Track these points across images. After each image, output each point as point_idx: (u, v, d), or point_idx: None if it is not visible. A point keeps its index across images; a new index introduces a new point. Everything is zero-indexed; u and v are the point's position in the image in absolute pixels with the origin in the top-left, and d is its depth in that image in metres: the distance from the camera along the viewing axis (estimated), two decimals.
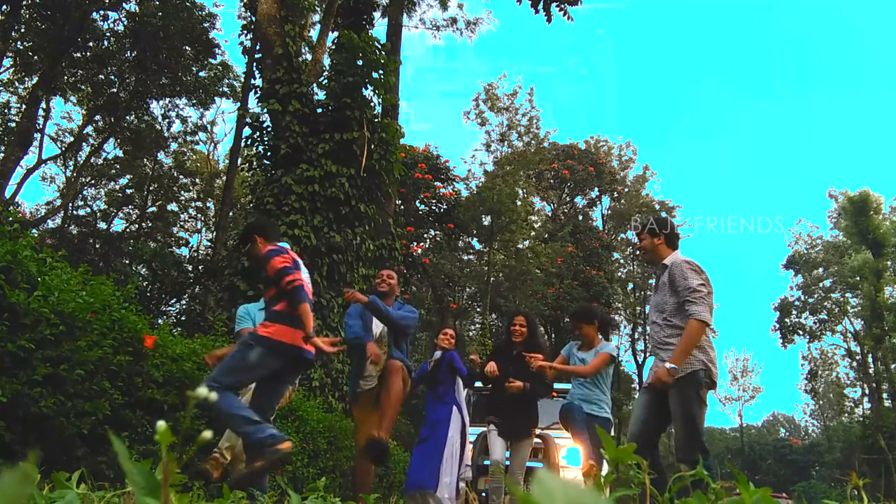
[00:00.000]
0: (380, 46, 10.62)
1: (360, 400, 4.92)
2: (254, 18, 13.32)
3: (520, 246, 22.78)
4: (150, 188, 24.35)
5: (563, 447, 6.95)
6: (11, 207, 8.02)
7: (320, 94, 11.04)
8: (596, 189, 30.20)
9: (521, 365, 5.25)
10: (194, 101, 20.03)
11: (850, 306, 31.98)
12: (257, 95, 11.16)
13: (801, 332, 33.01)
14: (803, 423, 52.88)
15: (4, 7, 15.45)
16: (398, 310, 5.04)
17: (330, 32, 12.52)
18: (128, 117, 19.81)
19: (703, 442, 3.76)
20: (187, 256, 17.73)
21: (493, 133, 22.14)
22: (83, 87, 19.12)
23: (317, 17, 15.40)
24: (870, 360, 30.78)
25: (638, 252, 5.37)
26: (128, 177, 24.13)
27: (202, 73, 18.98)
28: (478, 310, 25.83)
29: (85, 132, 21.05)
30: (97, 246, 20.59)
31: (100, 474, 3.71)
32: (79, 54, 17.57)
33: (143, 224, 24.29)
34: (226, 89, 20.23)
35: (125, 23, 17.49)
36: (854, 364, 33.75)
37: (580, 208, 30.66)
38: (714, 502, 1.43)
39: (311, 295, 3.88)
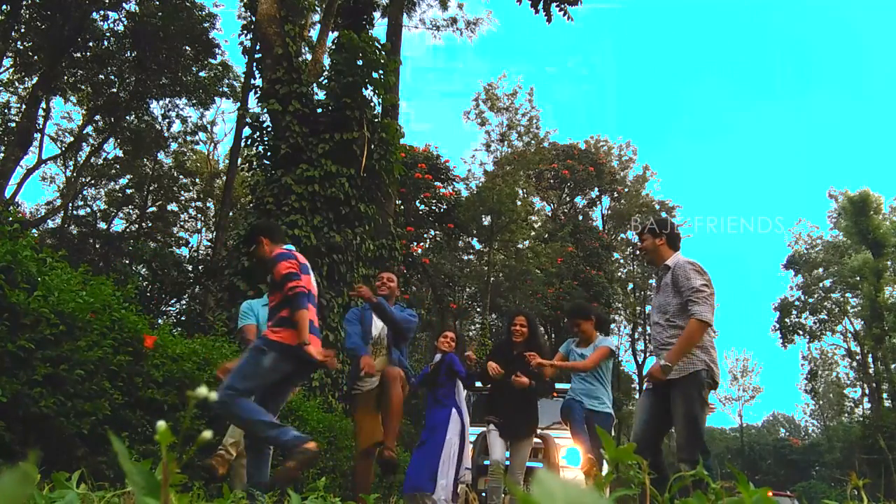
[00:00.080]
0: (380, 46, 10.62)
1: (360, 401, 4.92)
2: (254, 18, 13.31)
3: (520, 246, 22.78)
4: (150, 188, 24.36)
5: (563, 447, 6.95)
6: (11, 207, 8.02)
7: (320, 94, 11.05)
8: (596, 189, 30.20)
9: (521, 365, 5.25)
10: (194, 101, 20.04)
11: (850, 306, 31.98)
12: (257, 95, 11.17)
13: (801, 332, 33.01)
14: (803, 423, 52.92)
15: (4, 7, 15.46)
16: (399, 313, 5.05)
17: (330, 32, 12.52)
18: (128, 117, 19.81)
19: (705, 442, 3.76)
20: (187, 256, 17.75)
21: (493, 133, 22.16)
22: (83, 87, 19.13)
23: (317, 17, 15.41)
24: (870, 360, 30.78)
25: (639, 253, 5.39)
26: (128, 177, 24.14)
27: (202, 73, 18.99)
28: (478, 310, 25.82)
29: (85, 132, 21.06)
30: (97, 246, 20.59)
31: (100, 474, 3.71)
32: (79, 54, 17.58)
33: (143, 224, 24.29)
34: (226, 89, 20.24)
35: (125, 23, 17.50)
36: (854, 364, 33.76)
37: (580, 208, 30.67)
38: (714, 502, 1.43)
39: (317, 298, 3.91)
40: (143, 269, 15.71)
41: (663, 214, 27.73)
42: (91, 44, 17.53)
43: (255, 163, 11.00)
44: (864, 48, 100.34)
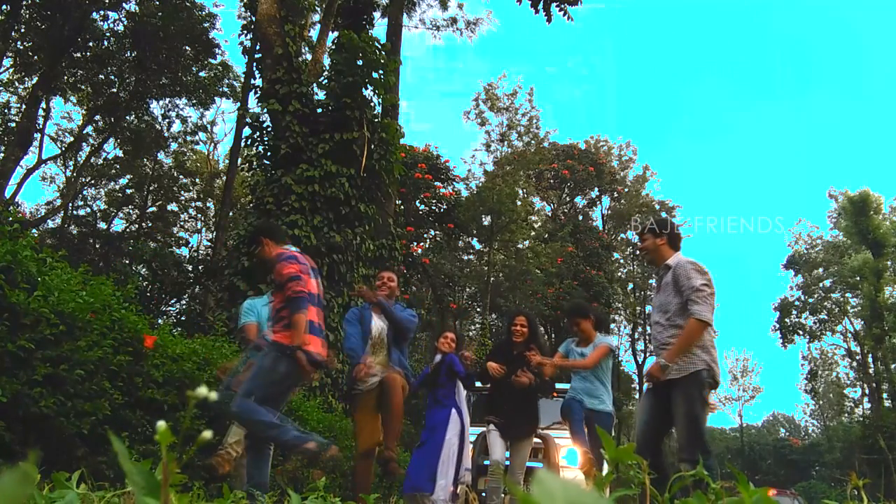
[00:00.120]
0: (380, 46, 10.62)
1: (360, 401, 4.92)
2: (254, 18, 13.31)
3: (520, 246, 22.78)
4: (150, 188, 24.36)
5: (563, 447, 6.95)
6: (11, 207, 8.02)
7: (320, 94, 11.05)
8: (596, 189, 30.20)
9: (521, 365, 5.25)
10: (194, 101, 20.04)
11: (850, 306, 31.97)
12: (257, 95, 11.17)
13: (801, 332, 33.01)
14: (803, 423, 52.91)
15: (4, 7, 15.46)
16: (400, 313, 5.06)
17: (330, 32, 12.52)
18: (128, 117, 19.81)
19: (706, 442, 3.76)
20: (187, 256, 17.75)
21: (493, 133, 22.17)
22: (83, 87, 19.13)
23: (317, 17, 15.41)
24: (870, 360, 30.78)
25: (640, 253, 5.37)
26: (128, 177, 24.14)
27: (202, 73, 18.99)
28: (478, 310, 25.82)
29: (85, 132, 21.06)
30: (97, 246, 20.58)
31: (100, 474, 3.71)
32: (79, 54, 17.58)
33: (143, 224, 24.30)
34: (226, 89, 20.24)
35: (125, 23, 17.50)
36: (854, 364, 33.76)
37: (580, 208, 30.67)
38: (714, 502, 1.43)
39: (323, 299, 3.91)
40: (143, 269, 15.72)
41: (663, 214, 27.74)
42: (91, 44, 17.53)
43: (255, 163, 11.00)
44: (864, 48, 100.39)
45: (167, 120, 20.94)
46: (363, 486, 4.76)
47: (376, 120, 10.84)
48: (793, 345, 33.09)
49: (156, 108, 20.74)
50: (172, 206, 25.90)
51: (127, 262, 18.09)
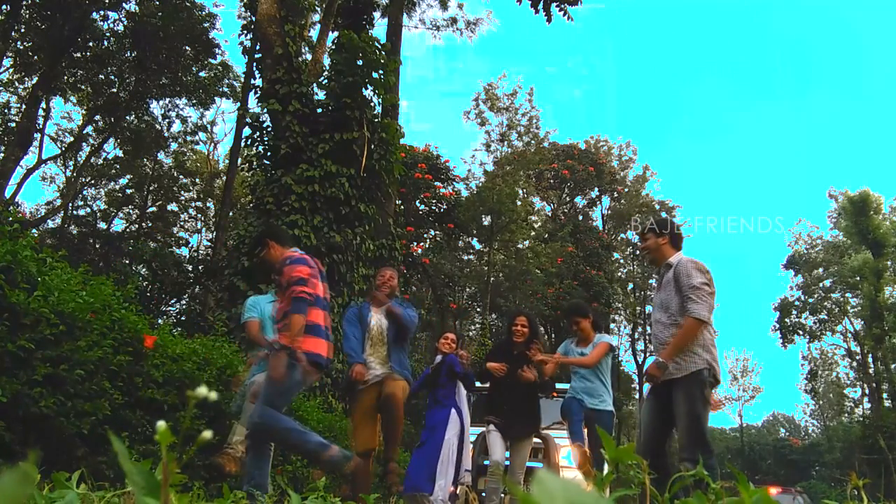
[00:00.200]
0: (380, 46, 10.63)
1: (359, 399, 4.91)
2: (254, 18, 13.32)
3: (520, 246, 22.79)
4: (150, 188, 24.36)
5: (563, 447, 6.95)
6: (11, 207, 8.02)
7: (320, 94, 11.05)
8: (596, 189, 30.20)
9: (522, 365, 5.25)
10: (194, 101, 20.04)
11: (850, 306, 31.97)
12: (257, 95, 11.17)
13: (801, 332, 33.00)
14: (803, 423, 52.90)
15: (4, 7, 15.46)
16: (404, 311, 5.05)
17: (330, 32, 12.52)
18: (128, 117, 19.81)
19: (708, 441, 3.76)
20: (187, 256, 17.75)
21: (493, 133, 22.18)
22: (83, 87, 19.13)
23: (317, 17, 15.41)
24: (870, 360, 30.78)
25: (642, 252, 5.36)
26: (128, 177, 24.15)
27: (202, 73, 18.99)
28: (478, 310, 25.82)
29: (85, 132, 21.06)
30: (97, 246, 20.59)
31: (100, 474, 3.71)
32: (79, 54, 17.58)
33: (143, 224, 24.30)
34: (226, 89, 20.25)
35: (125, 23, 17.50)
36: (854, 364, 33.76)
37: (580, 208, 30.67)
38: (714, 502, 1.43)
39: (328, 298, 3.91)
40: (143, 269, 15.72)
41: (663, 214, 27.74)
42: (91, 44, 17.54)
43: (255, 163, 11.01)
44: (864, 48, 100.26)
45: (167, 120, 20.96)
46: (363, 486, 4.77)
47: (376, 120, 10.84)
48: (793, 345, 33.11)
49: (156, 108, 20.77)
50: (172, 206, 25.91)
51: (127, 262, 18.09)
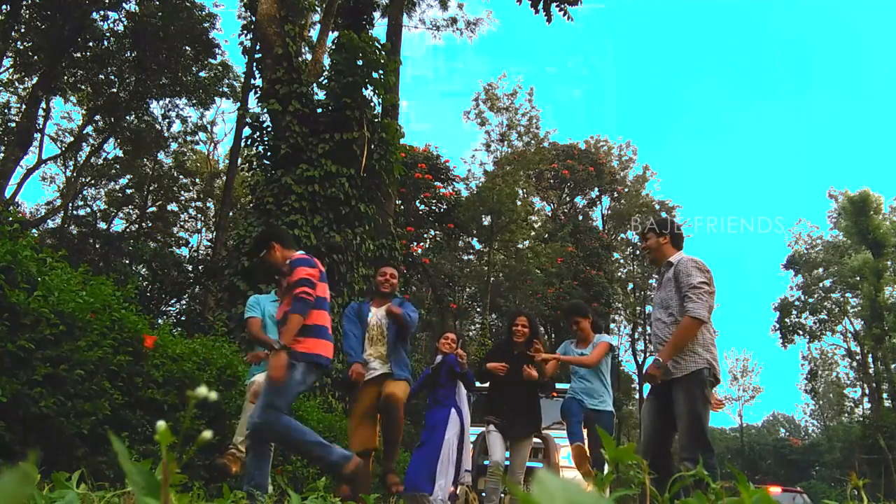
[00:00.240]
0: (380, 46, 10.63)
1: (358, 396, 4.91)
2: (254, 18, 13.32)
3: (520, 246, 22.79)
4: (150, 188, 24.36)
5: (564, 447, 6.94)
6: (11, 207, 8.02)
7: (320, 94, 11.05)
8: (596, 189, 30.20)
9: (522, 365, 5.25)
10: (194, 101, 20.05)
11: (850, 306, 31.97)
12: (257, 95, 11.17)
13: (801, 332, 32.99)
14: (803, 423, 52.89)
15: (4, 7, 15.46)
16: (398, 304, 5.03)
17: (330, 32, 12.52)
18: (128, 117, 19.82)
19: (708, 441, 3.75)
20: (187, 256, 17.75)
21: (493, 133, 22.18)
22: (83, 87, 19.13)
23: (317, 17, 15.42)
24: (870, 360, 30.77)
25: (643, 252, 5.33)
26: (128, 177, 24.15)
27: (202, 73, 18.99)
28: (478, 310, 25.83)
29: (85, 132, 21.06)
30: (97, 246, 20.59)
31: (100, 474, 3.71)
32: (79, 54, 17.58)
33: (143, 224, 24.30)
34: (226, 89, 20.25)
35: (125, 23, 17.50)
36: (854, 364, 33.76)
37: (580, 208, 30.67)
38: (714, 502, 1.43)
39: (329, 298, 3.91)
40: (143, 269, 15.72)
41: (663, 214, 27.73)
42: (91, 44, 17.54)
43: (255, 163, 11.01)
44: (864, 48, 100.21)
45: (167, 120, 20.97)
46: (362, 486, 4.77)
47: (376, 120, 10.84)
48: (793, 345, 33.10)
49: (156, 108, 20.78)
50: (172, 206, 25.91)
51: (127, 262, 18.10)
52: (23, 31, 17.01)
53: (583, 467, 5.17)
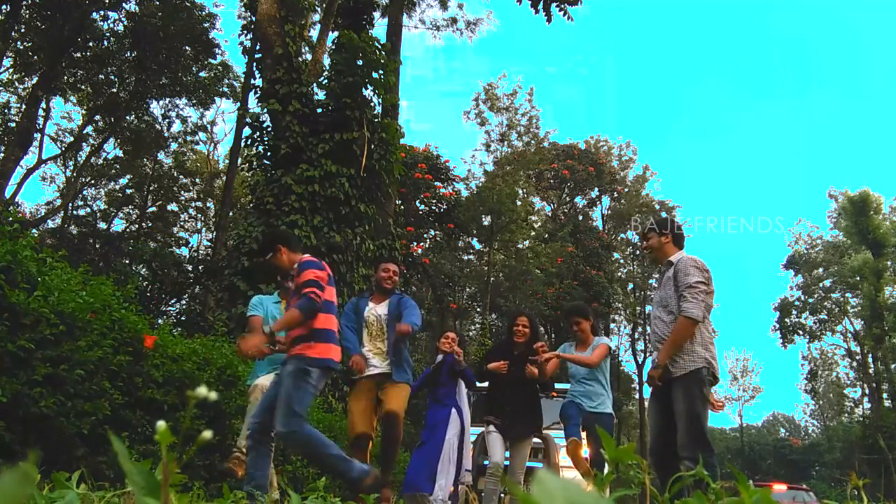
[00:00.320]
0: (380, 46, 10.63)
1: (357, 388, 4.89)
2: (254, 18, 13.32)
3: (520, 246, 22.78)
4: (150, 188, 24.37)
5: (564, 447, 6.94)
6: (11, 207, 8.02)
7: (320, 94, 11.05)
8: (596, 189, 30.19)
9: (522, 365, 5.24)
10: (194, 101, 20.05)
11: (850, 306, 31.97)
12: (257, 95, 11.17)
13: (801, 332, 32.99)
14: (803, 423, 52.91)
15: (4, 7, 15.46)
16: (397, 301, 5.01)
17: (330, 32, 12.52)
18: (128, 117, 19.82)
19: (708, 440, 3.75)
20: (187, 256, 17.75)
21: (493, 133, 22.16)
22: (83, 87, 19.13)
23: (317, 17, 15.42)
24: (870, 360, 30.77)
25: (645, 251, 5.35)
26: (128, 177, 24.15)
27: (202, 73, 18.99)
28: (478, 310, 25.83)
29: (85, 132, 21.06)
30: (97, 246, 20.59)
31: (100, 474, 3.71)
32: (79, 54, 17.59)
33: (143, 224, 24.30)
34: (226, 89, 20.25)
35: (125, 23, 17.50)
36: (854, 364, 33.76)
37: (580, 208, 30.67)
38: (714, 502, 1.43)
39: (336, 302, 3.92)
40: (143, 269, 15.72)
41: (663, 214, 27.73)
42: (91, 44, 17.54)
43: (255, 163, 11.01)
44: (864, 48, 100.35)
45: (167, 120, 20.97)
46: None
47: (376, 120, 10.84)
48: (793, 345, 33.10)
49: (156, 108, 20.79)
50: (172, 206, 25.91)
51: (127, 262, 18.10)
52: (23, 31, 17.01)
53: (578, 461, 5.17)
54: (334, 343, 3.78)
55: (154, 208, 25.18)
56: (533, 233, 25.02)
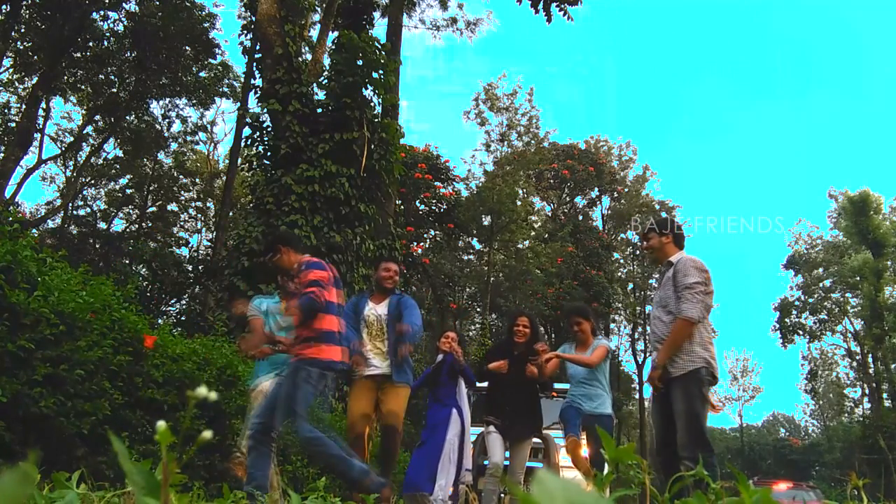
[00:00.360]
0: (380, 46, 10.62)
1: (356, 386, 4.89)
2: (254, 18, 13.32)
3: (520, 246, 22.79)
4: (150, 188, 24.37)
5: (564, 447, 6.94)
6: (11, 207, 8.02)
7: (320, 94, 11.05)
8: (596, 189, 30.19)
9: (522, 365, 5.24)
10: (194, 101, 20.05)
11: (850, 306, 31.97)
12: (257, 95, 11.17)
13: (801, 332, 32.99)
14: (803, 423, 52.90)
15: (4, 7, 15.46)
16: (397, 301, 5.01)
17: (330, 32, 12.52)
18: (128, 117, 19.82)
19: (707, 440, 3.75)
20: (187, 256, 17.75)
21: (493, 133, 22.15)
22: (83, 87, 19.13)
23: (317, 17, 15.41)
24: (870, 360, 30.78)
25: (645, 251, 5.35)
26: (128, 177, 24.15)
27: (202, 73, 18.99)
28: (478, 310, 25.83)
29: (85, 132, 21.06)
30: (97, 246, 20.59)
31: (100, 474, 3.71)
32: (79, 54, 17.59)
33: (143, 224, 24.30)
34: (226, 89, 20.26)
35: (125, 23, 17.50)
36: (854, 364, 33.76)
37: (580, 208, 30.67)
38: (714, 502, 1.43)
39: (340, 303, 3.92)
40: (143, 269, 15.72)
41: (663, 214, 27.73)
42: (91, 44, 17.54)
43: (255, 163, 11.01)
44: (864, 48, 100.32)
45: (167, 120, 20.98)
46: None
47: (376, 120, 10.84)
48: (793, 345, 33.10)
49: (156, 108, 20.77)
50: (172, 206, 25.91)
51: (127, 262, 18.09)
52: (23, 31, 17.01)
53: (578, 459, 5.17)
54: (336, 344, 3.78)
55: (154, 208, 25.18)
56: (533, 233, 25.02)
